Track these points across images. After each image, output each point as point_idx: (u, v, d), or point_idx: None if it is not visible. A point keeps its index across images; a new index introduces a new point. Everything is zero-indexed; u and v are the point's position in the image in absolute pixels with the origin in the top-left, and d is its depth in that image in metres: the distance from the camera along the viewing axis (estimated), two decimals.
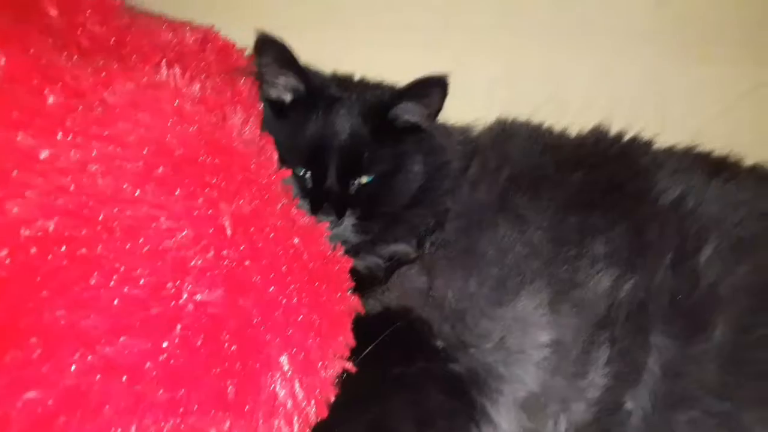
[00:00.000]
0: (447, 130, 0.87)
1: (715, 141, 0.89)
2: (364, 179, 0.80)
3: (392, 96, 0.83)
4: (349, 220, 0.79)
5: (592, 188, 0.79)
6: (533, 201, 0.77)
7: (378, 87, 0.91)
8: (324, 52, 0.96)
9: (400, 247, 0.80)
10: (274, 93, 0.83)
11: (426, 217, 0.81)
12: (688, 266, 0.73)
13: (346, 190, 0.80)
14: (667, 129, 0.89)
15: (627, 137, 0.86)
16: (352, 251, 0.77)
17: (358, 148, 0.81)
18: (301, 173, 0.80)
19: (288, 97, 0.83)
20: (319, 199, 0.78)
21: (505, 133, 0.87)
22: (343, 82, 0.90)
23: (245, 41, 0.88)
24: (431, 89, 0.81)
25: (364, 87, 0.90)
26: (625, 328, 0.71)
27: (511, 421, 0.69)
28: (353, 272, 0.73)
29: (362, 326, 0.68)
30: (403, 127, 0.83)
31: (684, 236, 0.74)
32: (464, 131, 0.90)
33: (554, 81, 1.11)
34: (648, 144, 0.86)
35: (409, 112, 0.82)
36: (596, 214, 0.76)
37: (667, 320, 0.71)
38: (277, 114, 0.82)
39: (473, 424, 0.68)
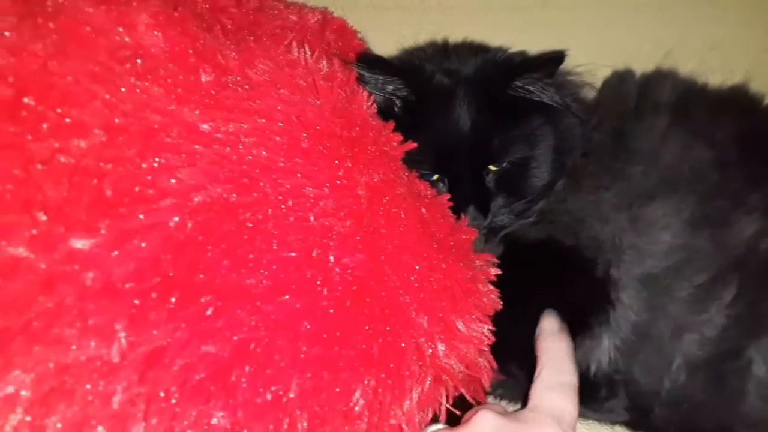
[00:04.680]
0: (562, 86, 0.85)
1: None
2: (499, 167, 0.79)
3: (508, 72, 0.80)
4: (495, 211, 0.79)
5: (746, 135, 0.77)
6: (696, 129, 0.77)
7: (480, 55, 0.88)
8: (422, 34, 0.98)
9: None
10: (383, 104, 0.81)
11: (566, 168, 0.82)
12: None
13: (483, 184, 0.79)
14: None
15: None
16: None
17: (486, 137, 0.79)
18: (433, 178, 0.79)
19: (398, 103, 0.82)
20: (460, 203, 0.76)
21: (627, 80, 0.86)
22: (447, 66, 0.86)
23: None
24: (549, 63, 0.79)
25: (469, 63, 0.86)
26: (758, 278, 0.70)
27: (632, 296, 0.72)
28: None
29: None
30: (523, 103, 0.80)
31: None
32: (578, 86, 0.88)
33: (663, 54, 1.08)
34: None
35: (526, 88, 0.79)
36: (755, 163, 0.74)
37: None
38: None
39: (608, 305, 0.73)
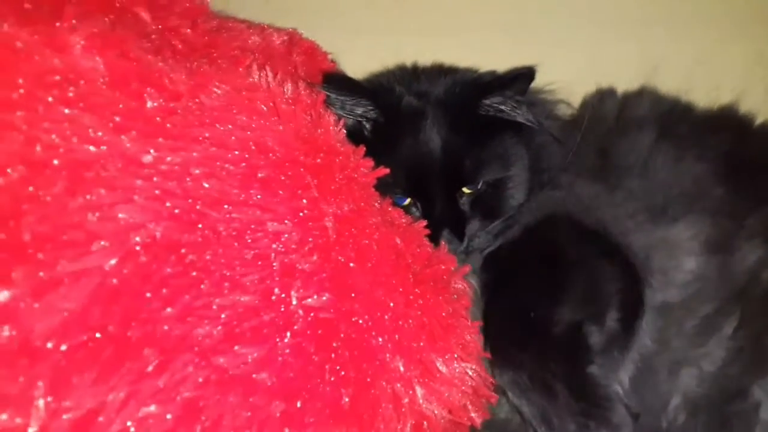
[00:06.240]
0: (534, 104, 0.81)
1: None
2: (473, 189, 0.75)
3: (477, 91, 0.77)
4: (470, 234, 0.75)
5: (741, 157, 0.74)
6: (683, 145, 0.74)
7: (450, 76, 0.85)
8: (400, 57, 0.94)
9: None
10: (352, 125, 0.77)
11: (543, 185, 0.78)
12: None
13: (457, 206, 0.75)
14: None
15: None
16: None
17: (457, 158, 0.75)
18: (405, 203, 0.75)
19: (367, 126, 0.78)
20: (435, 227, 0.72)
21: (608, 98, 0.82)
22: (416, 88, 0.83)
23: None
24: (519, 79, 0.75)
25: (439, 84, 0.83)
26: (761, 310, 0.66)
27: (649, 322, 0.68)
28: None
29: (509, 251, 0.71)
30: (494, 121, 0.77)
31: None
32: (552, 103, 0.85)
33: (649, 70, 1.05)
34: None
35: (497, 106, 0.76)
36: (752, 186, 0.71)
37: None
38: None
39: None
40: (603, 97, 0.86)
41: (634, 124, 0.78)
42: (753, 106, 0.84)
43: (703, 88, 0.89)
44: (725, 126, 0.79)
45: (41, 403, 0.37)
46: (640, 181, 0.73)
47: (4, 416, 0.36)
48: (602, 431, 0.62)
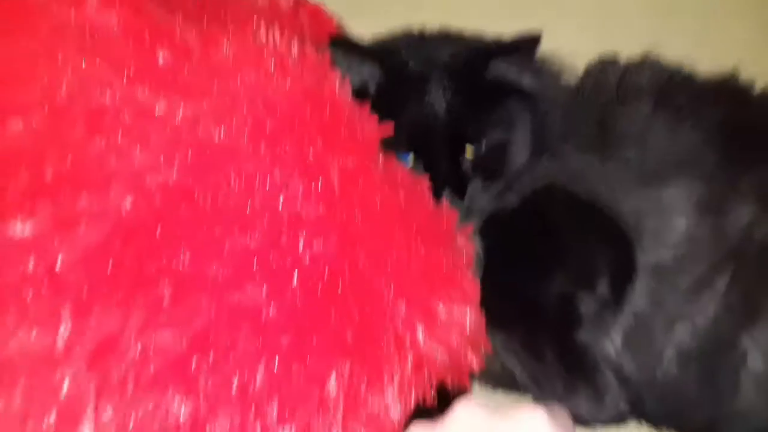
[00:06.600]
0: (539, 70, 0.82)
1: None
2: (476, 150, 0.76)
3: (483, 56, 0.78)
4: (472, 194, 0.76)
5: (737, 125, 0.74)
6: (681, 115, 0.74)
7: (456, 41, 0.85)
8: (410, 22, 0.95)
9: None
10: (357, 87, 0.74)
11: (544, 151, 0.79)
12: None
13: (460, 167, 0.76)
14: None
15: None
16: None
17: (461, 120, 0.76)
18: (408, 160, 0.76)
19: (372, 87, 0.78)
20: (437, 186, 0.73)
21: (610, 67, 0.83)
22: (422, 52, 0.82)
23: None
24: (524, 45, 0.76)
25: (445, 49, 0.82)
26: (754, 266, 0.67)
27: (641, 285, 0.69)
28: None
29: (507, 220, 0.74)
30: (499, 86, 0.78)
31: None
32: (556, 71, 0.85)
33: (650, 44, 1.07)
34: None
35: (502, 71, 0.77)
36: (747, 152, 0.72)
37: None
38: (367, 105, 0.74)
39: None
40: (605, 66, 0.86)
41: (634, 93, 0.79)
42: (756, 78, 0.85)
43: (707, 60, 0.90)
44: (723, 94, 0.80)
45: (68, 324, 0.40)
46: (636, 151, 0.74)
47: (34, 333, 0.40)
48: (589, 393, 0.67)
